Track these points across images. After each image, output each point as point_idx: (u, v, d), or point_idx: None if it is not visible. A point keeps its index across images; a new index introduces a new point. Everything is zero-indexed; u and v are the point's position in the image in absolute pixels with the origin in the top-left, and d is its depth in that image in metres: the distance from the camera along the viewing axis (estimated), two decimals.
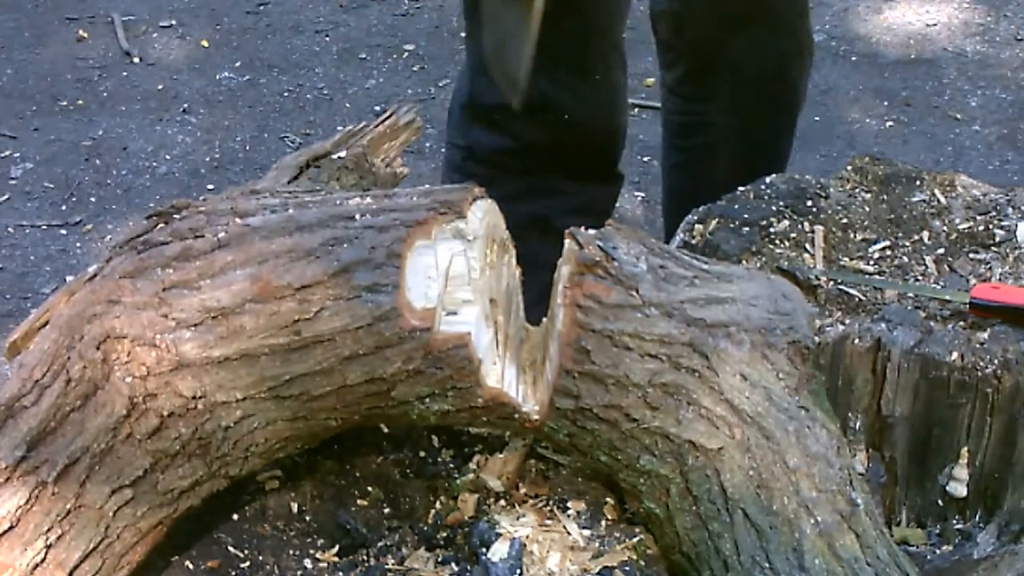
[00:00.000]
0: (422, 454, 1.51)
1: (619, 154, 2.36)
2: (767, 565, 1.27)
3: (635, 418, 1.31)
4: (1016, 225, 1.75)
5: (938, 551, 1.59)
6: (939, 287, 1.66)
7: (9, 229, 3.34)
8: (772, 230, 1.74)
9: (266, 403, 1.30)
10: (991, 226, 1.76)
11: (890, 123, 3.67)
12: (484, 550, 1.34)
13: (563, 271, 1.33)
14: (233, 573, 1.36)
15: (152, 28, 4.23)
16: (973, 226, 1.76)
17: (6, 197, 3.45)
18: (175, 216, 1.35)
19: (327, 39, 4.17)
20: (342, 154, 1.69)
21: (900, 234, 1.76)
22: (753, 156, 2.38)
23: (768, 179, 1.85)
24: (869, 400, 1.59)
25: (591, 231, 1.34)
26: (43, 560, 1.22)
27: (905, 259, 1.72)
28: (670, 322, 1.30)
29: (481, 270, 1.31)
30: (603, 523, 1.40)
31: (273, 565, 1.37)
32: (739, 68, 2.32)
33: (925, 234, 1.76)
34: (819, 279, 1.67)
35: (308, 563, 1.39)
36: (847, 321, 1.60)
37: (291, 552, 1.39)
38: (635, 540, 1.37)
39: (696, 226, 1.76)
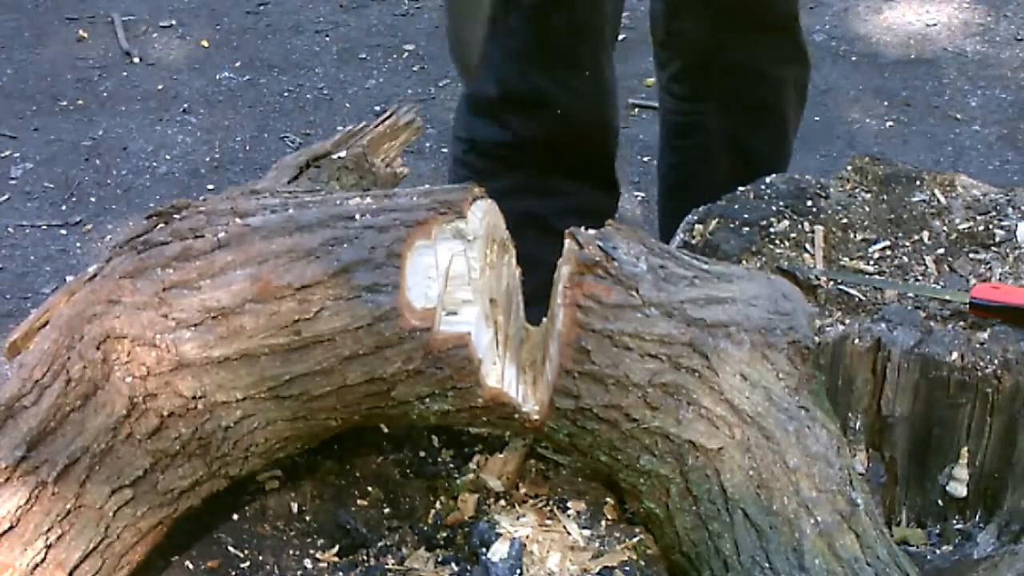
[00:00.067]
0: (422, 454, 1.51)
1: (614, 153, 2.36)
2: (767, 565, 1.27)
3: (635, 418, 1.31)
4: (1016, 225, 1.75)
5: (938, 551, 1.59)
6: (939, 287, 1.66)
7: (9, 229, 3.34)
8: (772, 230, 1.74)
9: (266, 403, 1.30)
10: (991, 226, 1.76)
11: (890, 123, 3.67)
12: (484, 550, 1.34)
13: (563, 271, 1.33)
14: (233, 573, 1.36)
15: (152, 28, 4.23)
16: (973, 226, 1.76)
17: (6, 197, 3.45)
18: (175, 216, 1.35)
19: (327, 39, 4.17)
20: (342, 154, 1.69)
21: (900, 234, 1.76)
22: (748, 159, 2.38)
23: (768, 179, 1.85)
24: (869, 400, 1.59)
25: (591, 231, 1.34)
26: (43, 560, 1.22)
27: (905, 259, 1.72)
28: (670, 322, 1.30)
29: (481, 270, 1.31)
30: (603, 523, 1.40)
31: (273, 565, 1.37)
32: (733, 70, 2.33)
33: (925, 234, 1.76)
34: (819, 279, 1.67)
35: (308, 563, 1.39)
36: (847, 321, 1.60)
37: (291, 552, 1.39)
38: (635, 540, 1.37)
39: (696, 226, 1.76)
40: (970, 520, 1.61)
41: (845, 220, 1.78)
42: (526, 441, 1.50)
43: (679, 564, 1.36)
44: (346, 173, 1.66)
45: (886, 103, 3.75)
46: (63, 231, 3.33)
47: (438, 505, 1.44)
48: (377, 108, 3.73)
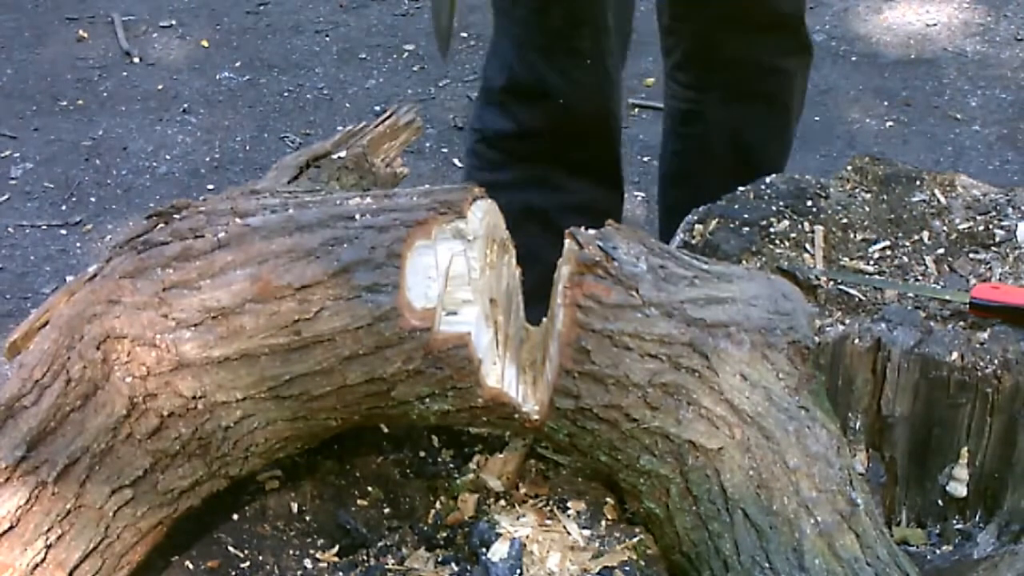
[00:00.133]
0: (422, 454, 1.51)
1: (618, 151, 2.36)
2: (767, 565, 1.27)
3: (635, 418, 1.31)
4: (1016, 225, 1.75)
5: (938, 551, 1.59)
6: (939, 287, 1.66)
7: (9, 229, 3.34)
8: (772, 230, 1.74)
9: (266, 403, 1.30)
10: (991, 226, 1.76)
11: (890, 123, 3.67)
12: (484, 550, 1.34)
13: (563, 271, 1.33)
14: (233, 573, 1.36)
15: (152, 28, 4.23)
16: (973, 226, 1.76)
17: (6, 197, 3.45)
18: (175, 216, 1.35)
19: (327, 39, 4.17)
20: (342, 154, 1.69)
21: (900, 234, 1.76)
22: (749, 150, 2.39)
23: (768, 179, 1.85)
24: (869, 400, 1.59)
25: (591, 231, 1.34)
26: (43, 560, 1.22)
27: (905, 259, 1.72)
28: (670, 322, 1.30)
29: (481, 270, 1.31)
30: (603, 523, 1.40)
31: (273, 565, 1.37)
32: (735, 62, 2.34)
33: (925, 234, 1.76)
34: (819, 279, 1.67)
35: (308, 563, 1.39)
36: (847, 321, 1.60)
37: (291, 552, 1.39)
38: (635, 540, 1.37)
39: (696, 226, 1.76)
40: (970, 520, 1.61)
41: (845, 220, 1.78)
42: (526, 441, 1.50)
43: (679, 564, 1.36)
44: (346, 173, 1.66)
45: (886, 103, 3.75)
46: (63, 231, 3.33)
47: (438, 505, 1.44)
48: (377, 108, 3.73)
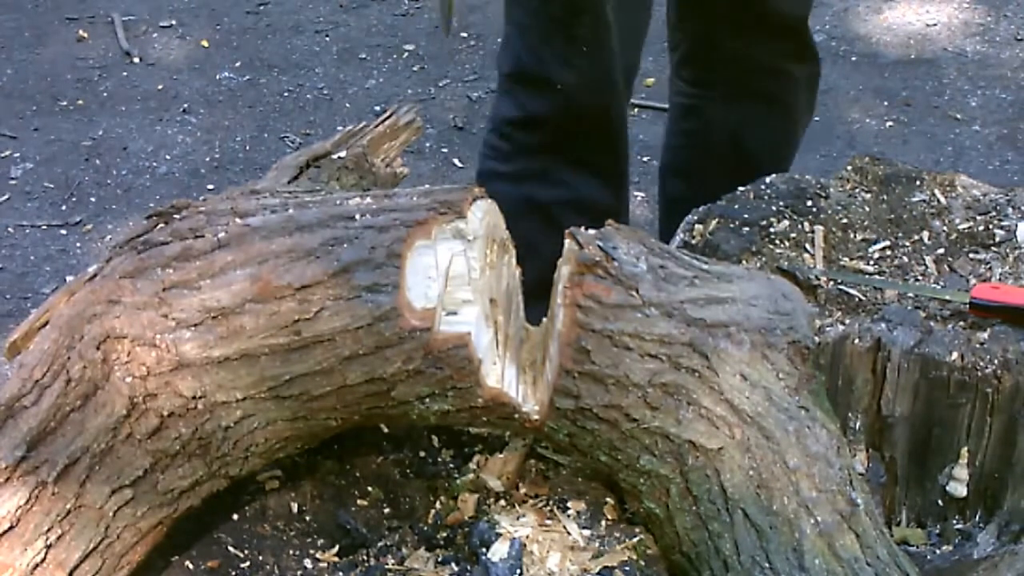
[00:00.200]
0: (422, 454, 1.51)
1: (618, 147, 2.36)
2: (767, 565, 1.27)
3: (635, 418, 1.31)
4: (1016, 225, 1.75)
5: (938, 551, 1.59)
6: (939, 287, 1.66)
7: (9, 229, 3.34)
8: (772, 230, 1.74)
9: (266, 403, 1.30)
10: (991, 226, 1.76)
11: (890, 123, 3.67)
12: (484, 550, 1.34)
13: (563, 271, 1.33)
14: (233, 573, 1.36)
15: (152, 28, 4.23)
16: (973, 226, 1.76)
17: (6, 197, 3.45)
18: (175, 216, 1.35)
19: (327, 39, 4.17)
20: (342, 154, 1.69)
21: (900, 234, 1.76)
22: (748, 150, 2.40)
23: (768, 179, 1.85)
24: (869, 400, 1.59)
25: (591, 231, 1.34)
26: (43, 560, 1.22)
27: (905, 259, 1.72)
28: (670, 322, 1.30)
29: (481, 270, 1.31)
30: (603, 523, 1.40)
31: (273, 565, 1.37)
32: (735, 60, 2.35)
33: (925, 234, 1.76)
34: (819, 279, 1.67)
35: (308, 563, 1.39)
36: (847, 321, 1.60)
37: (291, 552, 1.39)
38: (635, 540, 1.37)
39: (696, 226, 1.76)
40: (970, 520, 1.61)
41: (845, 220, 1.78)
42: (526, 441, 1.50)
43: (679, 564, 1.36)
44: (346, 173, 1.67)
45: (886, 103, 3.75)
46: (63, 231, 3.33)
47: (438, 505, 1.44)
48: (377, 108, 3.73)
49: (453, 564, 1.35)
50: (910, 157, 3.43)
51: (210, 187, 3.46)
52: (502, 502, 1.42)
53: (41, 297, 3.01)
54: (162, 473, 1.29)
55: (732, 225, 1.75)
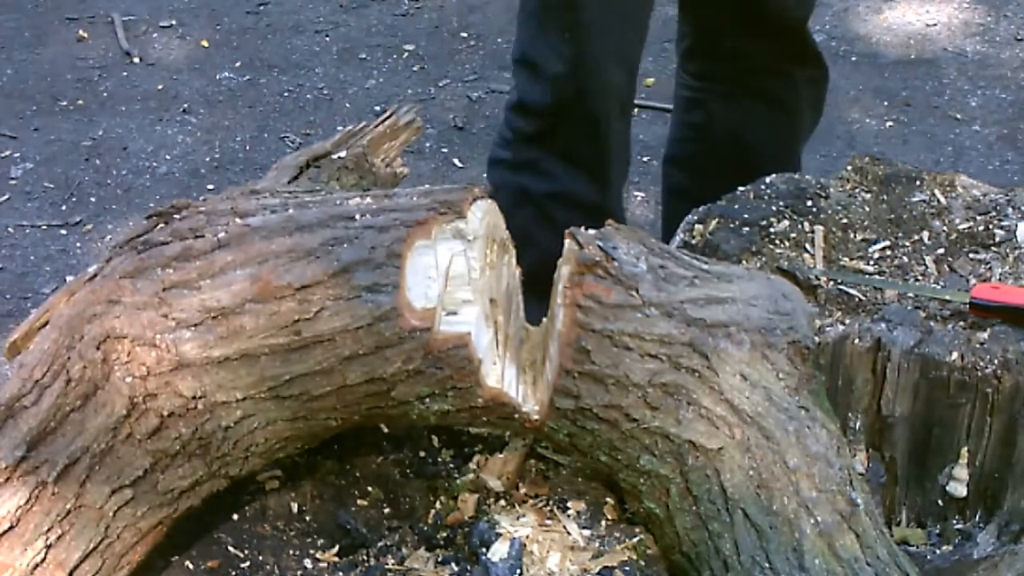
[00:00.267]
0: (422, 454, 1.51)
1: (602, 136, 2.36)
2: (767, 565, 1.27)
3: (635, 418, 1.31)
4: (1016, 225, 1.75)
5: (938, 551, 1.59)
6: (939, 287, 1.66)
7: (9, 229, 3.34)
8: (772, 230, 1.74)
9: (266, 403, 1.30)
10: (991, 226, 1.76)
11: (890, 123, 3.67)
12: (484, 550, 1.34)
13: (563, 271, 1.33)
14: (233, 573, 1.36)
15: (152, 28, 4.23)
16: (973, 226, 1.76)
17: (6, 197, 3.45)
18: (175, 216, 1.35)
19: (327, 39, 4.17)
20: (342, 154, 1.69)
21: (900, 234, 1.76)
22: (745, 149, 2.41)
23: (768, 179, 1.85)
24: (869, 400, 1.59)
25: (591, 231, 1.34)
26: (43, 560, 1.22)
27: (905, 259, 1.72)
28: (670, 322, 1.30)
29: (481, 270, 1.31)
30: (603, 523, 1.40)
31: (273, 565, 1.37)
32: (735, 57, 2.37)
33: (925, 234, 1.76)
34: (819, 279, 1.67)
35: (308, 563, 1.39)
36: (847, 321, 1.60)
37: (291, 552, 1.39)
38: (635, 540, 1.37)
39: (696, 226, 1.76)
40: (970, 520, 1.61)
41: (845, 220, 1.78)
42: (526, 441, 1.50)
43: (679, 564, 1.36)
44: (346, 173, 1.67)
45: (886, 103, 3.75)
46: (63, 231, 3.33)
47: (438, 505, 1.44)
48: (377, 108, 3.73)
49: (453, 564, 1.35)
50: (910, 157, 3.43)
51: (210, 187, 3.46)
52: (502, 502, 1.42)
53: (41, 297, 3.01)
54: (162, 473, 1.29)
55: (732, 225, 1.75)
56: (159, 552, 1.35)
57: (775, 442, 1.30)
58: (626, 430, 1.31)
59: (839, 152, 3.51)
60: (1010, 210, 1.78)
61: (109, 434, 1.26)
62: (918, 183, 1.84)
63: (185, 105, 3.83)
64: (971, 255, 1.72)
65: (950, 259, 1.72)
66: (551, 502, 1.42)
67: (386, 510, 1.46)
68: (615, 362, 1.29)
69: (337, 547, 1.41)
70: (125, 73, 4.00)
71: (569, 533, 1.38)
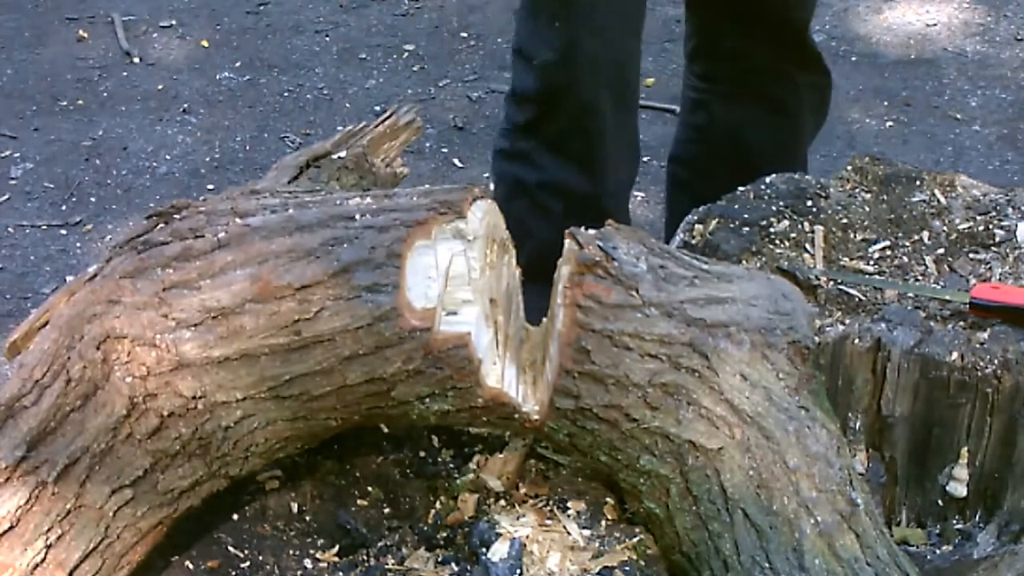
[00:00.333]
0: (422, 454, 1.51)
1: (590, 127, 2.35)
2: (767, 565, 1.27)
3: (635, 418, 1.31)
4: (1016, 225, 1.75)
5: (938, 551, 1.59)
6: (939, 287, 1.66)
7: (9, 229, 3.33)
8: (772, 230, 1.74)
9: (266, 403, 1.30)
10: (991, 226, 1.76)
11: (890, 123, 3.67)
12: (484, 550, 1.34)
13: (563, 271, 1.33)
14: (233, 573, 1.36)
15: (152, 28, 4.23)
16: (973, 226, 1.76)
17: (6, 197, 3.45)
18: (175, 216, 1.35)
19: (327, 39, 4.17)
20: (342, 154, 1.69)
21: (900, 234, 1.76)
22: (746, 150, 2.42)
23: (768, 179, 1.85)
24: (869, 400, 1.59)
25: (591, 231, 1.34)
26: (43, 560, 1.22)
27: (905, 259, 1.72)
28: (670, 322, 1.30)
29: (481, 270, 1.31)
30: (603, 523, 1.40)
31: (273, 565, 1.37)
32: (736, 58, 2.38)
33: (925, 234, 1.76)
34: (819, 279, 1.67)
35: (308, 563, 1.39)
36: (847, 321, 1.60)
37: (291, 552, 1.39)
38: (635, 540, 1.37)
39: (696, 226, 1.76)
40: (970, 520, 1.61)
41: (845, 220, 1.78)
42: (526, 441, 1.50)
43: (679, 564, 1.36)
44: (346, 173, 1.66)
45: (886, 103, 3.75)
46: (63, 231, 3.33)
47: (438, 505, 1.44)
48: (377, 108, 3.73)
49: (453, 564, 1.35)
50: (910, 157, 3.43)
51: (210, 187, 3.46)
52: (502, 502, 1.42)
53: (41, 297, 3.01)
54: (162, 473, 1.29)
55: (732, 225, 1.75)
56: (159, 552, 1.35)
57: (775, 442, 1.30)
58: (626, 430, 1.31)
59: (839, 152, 3.51)
60: (1010, 210, 1.78)
61: (109, 434, 1.26)
62: (918, 183, 1.84)
63: (185, 105, 3.83)
64: (971, 255, 1.72)
65: (950, 259, 1.72)
66: (551, 502, 1.42)
67: (386, 510, 1.46)
68: (615, 362, 1.29)
69: (337, 547, 1.41)
70: (125, 73, 4.00)
71: (569, 533, 1.38)
